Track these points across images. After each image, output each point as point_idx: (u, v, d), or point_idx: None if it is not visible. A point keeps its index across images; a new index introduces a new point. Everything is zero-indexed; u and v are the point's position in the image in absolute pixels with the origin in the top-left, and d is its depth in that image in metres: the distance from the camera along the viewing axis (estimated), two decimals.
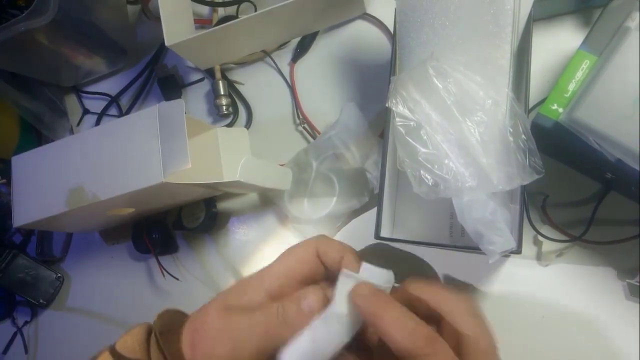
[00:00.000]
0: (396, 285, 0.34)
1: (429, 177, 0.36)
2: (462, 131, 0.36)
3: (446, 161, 0.36)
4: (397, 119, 0.38)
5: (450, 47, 0.38)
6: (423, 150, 0.36)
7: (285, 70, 0.61)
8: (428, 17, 0.39)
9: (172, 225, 0.60)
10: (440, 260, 0.49)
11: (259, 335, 0.33)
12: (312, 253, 0.36)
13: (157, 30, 0.54)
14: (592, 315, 0.45)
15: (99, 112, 0.69)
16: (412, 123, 0.37)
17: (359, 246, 0.53)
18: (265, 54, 0.62)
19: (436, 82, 0.36)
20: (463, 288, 0.35)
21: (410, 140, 0.37)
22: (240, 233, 0.59)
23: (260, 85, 0.62)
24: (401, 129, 0.37)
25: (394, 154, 0.43)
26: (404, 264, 0.47)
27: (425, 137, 0.37)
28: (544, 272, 0.47)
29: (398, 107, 0.37)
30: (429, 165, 0.36)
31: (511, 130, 0.36)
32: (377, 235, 0.42)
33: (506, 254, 0.37)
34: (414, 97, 0.37)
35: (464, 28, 0.38)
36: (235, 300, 0.35)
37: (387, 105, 0.38)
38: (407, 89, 0.37)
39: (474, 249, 0.37)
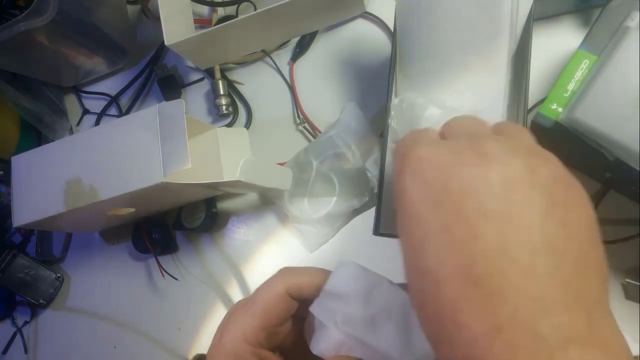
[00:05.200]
0: None
1: None
2: None
3: None
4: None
5: (449, 49, 0.39)
6: None
7: (285, 70, 0.61)
8: (428, 18, 0.39)
9: (172, 225, 0.60)
10: None
11: None
12: (280, 294, 0.32)
13: (157, 30, 0.54)
14: None
15: (98, 112, 0.69)
16: None
17: (359, 246, 0.53)
18: (265, 53, 0.62)
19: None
20: None
21: None
22: (240, 233, 0.59)
23: (260, 85, 0.62)
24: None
25: None
26: None
27: None
28: None
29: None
30: None
31: None
32: (376, 232, 0.42)
33: None
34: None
35: (462, 29, 0.38)
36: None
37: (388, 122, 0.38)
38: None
39: None
